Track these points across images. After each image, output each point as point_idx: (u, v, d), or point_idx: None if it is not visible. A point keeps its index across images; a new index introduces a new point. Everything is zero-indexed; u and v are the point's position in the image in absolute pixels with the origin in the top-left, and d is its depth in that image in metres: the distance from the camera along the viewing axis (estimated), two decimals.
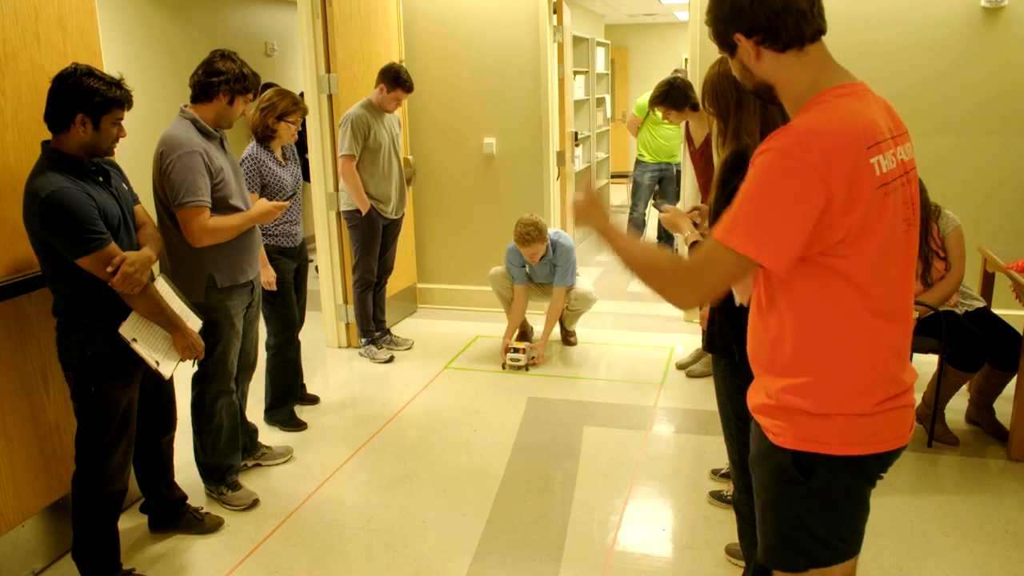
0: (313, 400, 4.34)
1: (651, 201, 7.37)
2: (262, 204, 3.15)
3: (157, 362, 2.64)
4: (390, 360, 4.97)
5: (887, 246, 1.52)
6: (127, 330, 2.57)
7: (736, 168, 2.19)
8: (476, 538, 3.05)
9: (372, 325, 5.03)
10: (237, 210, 3.07)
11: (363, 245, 4.78)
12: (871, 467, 1.64)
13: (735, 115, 2.74)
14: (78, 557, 2.72)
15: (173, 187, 2.87)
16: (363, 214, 4.65)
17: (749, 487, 2.48)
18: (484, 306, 5.91)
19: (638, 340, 5.27)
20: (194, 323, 2.84)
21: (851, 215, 1.46)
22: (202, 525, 3.12)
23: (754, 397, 1.74)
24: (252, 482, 3.47)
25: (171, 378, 2.91)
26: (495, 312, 5.84)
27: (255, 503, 3.30)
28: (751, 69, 1.59)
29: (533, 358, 4.72)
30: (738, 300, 1.68)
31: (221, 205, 3.00)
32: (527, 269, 4.91)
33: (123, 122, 2.55)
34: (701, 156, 4.12)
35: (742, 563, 2.69)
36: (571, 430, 3.97)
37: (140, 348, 2.59)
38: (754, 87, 1.62)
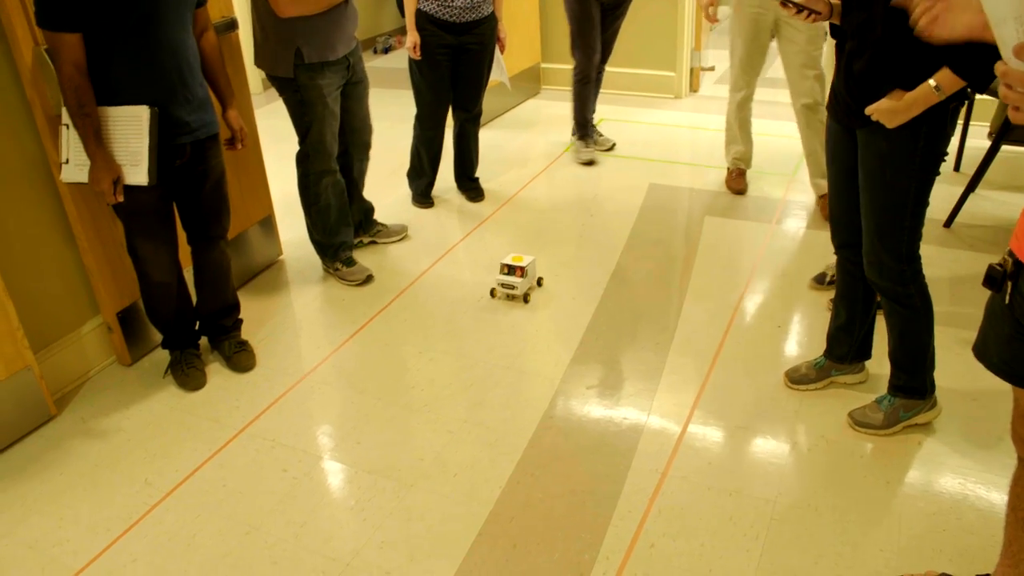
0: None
1: None
2: None
3: (67, 160, 2.42)
4: (590, 163, 4.58)
5: None
6: (65, 115, 2.37)
7: None
8: (584, 323, 3.03)
9: (589, 121, 4.61)
10: None
11: (575, 27, 4.33)
12: None
13: None
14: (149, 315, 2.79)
15: None
16: None
17: (900, 293, 2.26)
18: (606, 88, 5.60)
19: (770, 129, 4.89)
20: (137, 173, 2.38)
21: None
22: (227, 361, 2.88)
23: None
24: (367, 259, 3.53)
25: (222, 190, 2.70)
26: (616, 95, 5.56)
27: (369, 279, 3.37)
28: None
29: (541, 279, 3.33)
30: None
31: None
32: None
33: None
34: None
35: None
36: (692, 219, 3.80)
37: (65, 134, 2.40)
38: None
